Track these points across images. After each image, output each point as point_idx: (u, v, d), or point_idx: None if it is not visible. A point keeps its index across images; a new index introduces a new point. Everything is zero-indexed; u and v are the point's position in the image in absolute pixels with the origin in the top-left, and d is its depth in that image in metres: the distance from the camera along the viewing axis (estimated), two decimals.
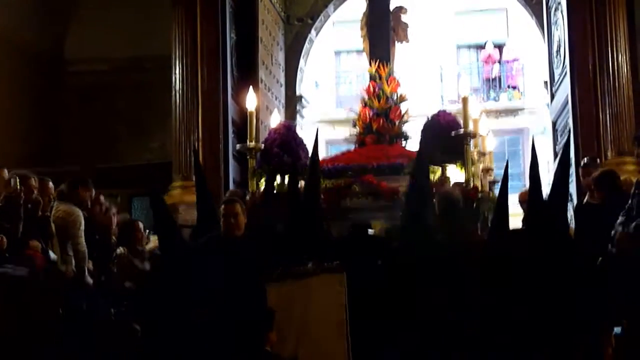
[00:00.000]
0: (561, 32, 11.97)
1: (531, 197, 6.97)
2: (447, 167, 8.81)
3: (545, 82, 13.35)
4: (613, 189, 7.89)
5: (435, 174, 8.69)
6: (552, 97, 12.72)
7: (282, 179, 9.06)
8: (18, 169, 7.61)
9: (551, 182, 7.02)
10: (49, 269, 7.08)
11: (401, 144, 10.01)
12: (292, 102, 15.17)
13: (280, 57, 14.74)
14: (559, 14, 12.11)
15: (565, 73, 11.76)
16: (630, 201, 7.08)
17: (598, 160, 10.23)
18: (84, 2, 12.94)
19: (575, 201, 11.07)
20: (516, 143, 23.19)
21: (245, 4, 12.84)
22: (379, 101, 10.11)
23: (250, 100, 9.25)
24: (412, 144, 10.02)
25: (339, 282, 6.23)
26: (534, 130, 22.59)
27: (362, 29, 10.91)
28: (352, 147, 10.48)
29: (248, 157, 9.19)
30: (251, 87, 9.76)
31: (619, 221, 7.06)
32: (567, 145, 7.94)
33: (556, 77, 12.46)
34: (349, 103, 23.37)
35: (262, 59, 13.18)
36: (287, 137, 9.28)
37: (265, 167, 9.12)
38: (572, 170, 11.20)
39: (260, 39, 13.09)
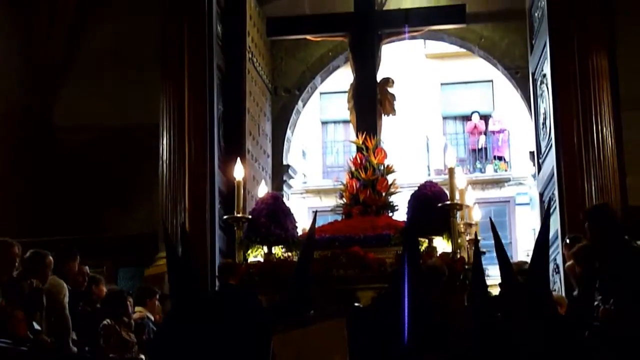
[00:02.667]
0: (546, 104, 12.07)
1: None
2: (434, 239, 8.84)
3: (532, 153, 13.43)
4: (593, 263, 7.88)
5: (422, 245, 8.73)
6: (539, 168, 12.79)
7: (270, 249, 9.09)
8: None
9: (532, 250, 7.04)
10: (33, 339, 7.05)
11: (388, 215, 10.04)
12: (279, 173, 15.21)
13: (267, 127, 14.82)
14: (544, 86, 12.23)
15: (551, 145, 11.83)
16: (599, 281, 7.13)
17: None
18: (74, 69, 13.00)
19: (562, 273, 11.11)
20: (502, 214, 23.27)
21: (233, 76, 12.93)
22: (365, 172, 10.17)
23: (238, 171, 9.32)
24: (399, 215, 10.07)
25: (340, 328, 6.28)
26: (519, 201, 22.74)
27: (348, 101, 11.03)
28: (339, 217, 10.51)
29: (235, 227, 9.22)
30: (239, 158, 9.83)
31: (596, 302, 7.09)
32: (547, 215, 7.96)
33: (542, 149, 12.54)
34: (335, 173, 23.55)
35: (249, 130, 13.24)
36: (274, 207, 9.33)
37: (252, 238, 9.15)
38: (559, 242, 11.27)
39: (247, 110, 13.15)
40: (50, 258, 7.79)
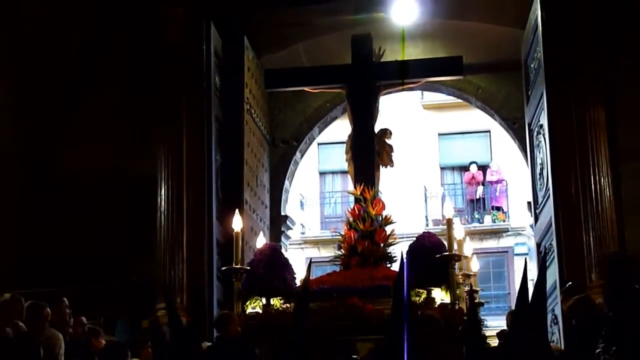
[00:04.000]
0: (543, 154, 12.12)
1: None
2: (433, 290, 8.84)
3: (529, 203, 13.47)
4: (587, 315, 7.88)
5: (421, 296, 8.74)
6: (536, 218, 12.83)
7: (268, 300, 9.09)
8: None
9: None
10: None
11: (386, 266, 10.05)
12: (277, 223, 15.21)
13: (265, 178, 14.86)
14: (540, 137, 12.29)
15: (549, 195, 11.87)
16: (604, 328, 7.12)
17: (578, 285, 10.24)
18: (74, 118, 13.05)
19: (560, 323, 11.10)
20: (501, 264, 23.30)
21: (231, 127, 13.00)
22: (364, 223, 10.18)
23: (236, 222, 9.35)
24: (397, 266, 10.07)
25: None
26: (518, 252, 22.73)
27: (346, 152, 11.06)
28: (337, 268, 10.51)
29: (233, 279, 9.23)
30: (237, 209, 9.86)
31: (598, 350, 7.08)
32: (543, 263, 7.97)
33: (539, 199, 12.58)
34: (334, 224, 23.57)
35: (247, 181, 13.28)
36: (272, 258, 9.33)
37: (251, 289, 9.16)
38: (557, 293, 11.27)
39: (245, 161, 13.19)
40: (48, 310, 7.79)
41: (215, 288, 11.91)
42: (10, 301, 7.43)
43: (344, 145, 11.43)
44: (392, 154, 10.98)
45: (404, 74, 11.42)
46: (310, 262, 7.85)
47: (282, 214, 15.47)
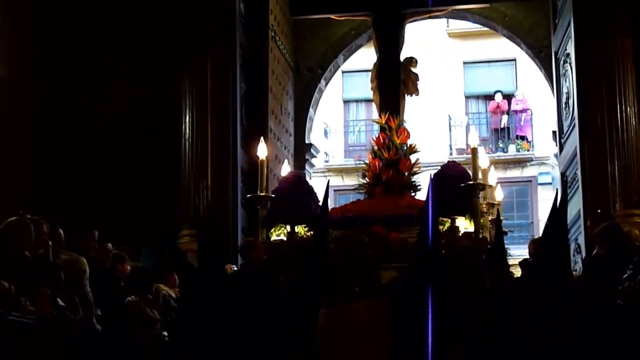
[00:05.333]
0: (570, 84, 12.03)
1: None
2: (457, 219, 8.83)
3: (554, 133, 13.39)
4: (616, 243, 7.88)
5: (445, 225, 8.74)
6: (561, 148, 12.76)
7: (293, 228, 9.11)
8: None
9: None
10: (57, 316, 7.11)
11: (410, 194, 10.04)
12: (301, 151, 15.22)
13: (290, 106, 14.83)
14: (567, 66, 12.18)
15: (574, 125, 11.80)
16: (637, 256, 7.09)
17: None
18: (94, 51, 13.00)
19: (584, 253, 11.10)
20: (524, 194, 23.24)
21: (256, 54, 12.94)
22: (388, 152, 10.14)
23: (261, 150, 9.34)
24: (422, 195, 10.07)
25: (382, 303, 6.34)
26: (541, 181, 22.68)
27: (372, 81, 10.99)
28: (361, 196, 10.51)
29: (258, 206, 9.25)
30: (262, 137, 9.85)
31: (625, 275, 7.07)
32: (564, 191, 7.94)
33: (565, 129, 12.51)
34: (357, 152, 23.55)
35: (271, 109, 13.26)
36: (297, 186, 9.36)
37: (275, 217, 9.18)
38: (581, 222, 11.26)
39: (270, 89, 13.16)
40: (61, 231, 7.80)
41: (239, 215, 11.96)
42: (21, 222, 7.41)
43: (369, 73, 11.36)
44: (418, 82, 10.91)
45: (430, 1, 11.29)
46: (328, 185, 7.79)
47: (307, 142, 15.48)
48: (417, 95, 10.94)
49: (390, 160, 10.13)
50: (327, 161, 23.95)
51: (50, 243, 7.56)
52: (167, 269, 9.63)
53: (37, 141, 12.53)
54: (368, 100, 20.79)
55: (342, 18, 13.14)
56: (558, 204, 6.80)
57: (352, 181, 19.94)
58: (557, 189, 10.05)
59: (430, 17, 12.29)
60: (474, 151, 8.79)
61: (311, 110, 15.51)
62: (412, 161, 10.29)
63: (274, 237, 9.26)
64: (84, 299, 7.68)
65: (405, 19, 11.29)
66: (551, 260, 6.74)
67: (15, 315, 6.51)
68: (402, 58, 11.04)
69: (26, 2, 12.88)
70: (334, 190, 22.10)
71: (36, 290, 6.96)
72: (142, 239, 11.23)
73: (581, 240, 11.35)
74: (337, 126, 24.76)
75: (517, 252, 9.58)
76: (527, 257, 9.40)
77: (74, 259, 7.82)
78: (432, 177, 8.73)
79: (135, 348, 7.58)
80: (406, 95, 10.86)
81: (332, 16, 12.94)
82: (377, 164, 10.16)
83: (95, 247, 8.43)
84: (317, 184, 11.35)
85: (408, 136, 10.33)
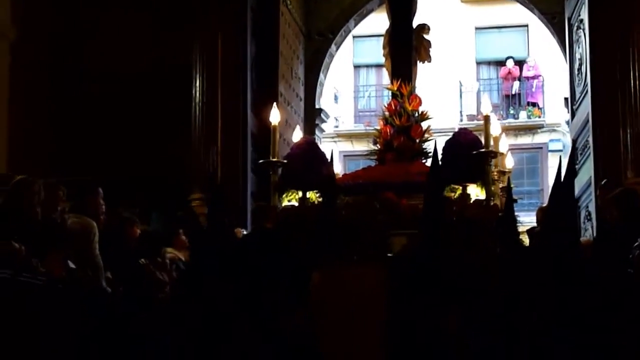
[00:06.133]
0: (583, 50, 11.99)
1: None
2: (468, 186, 8.82)
3: (566, 99, 13.36)
4: (631, 208, 7.88)
5: (456, 192, 8.74)
6: (573, 115, 12.74)
7: (304, 194, 9.12)
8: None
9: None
10: (68, 277, 7.15)
11: (422, 161, 10.03)
12: (311, 116, 15.21)
13: (300, 71, 14.79)
14: (580, 32, 12.13)
15: (587, 91, 11.77)
16: None
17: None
18: (104, 14, 12.97)
19: (594, 220, 11.10)
20: (535, 160, 23.23)
21: (266, 18, 12.89)
22: (400, 119, 10.09)
23: (274, 115, 9.32)
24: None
25: (379, 270, 6.38)
26: (552, 148, 22.65)
27: (384, 47, 10.90)
28: (371, 163, 10.50)
29: (270, 172, 9.27)
30: (274, 102, 9.84)
31: (637, 243, 7.06)
32: (572, 155, 7.90)
33: (577, 95, 12.48)
34: (367, 117, 23.54)
35: (282, 73, 13.23)
36: (309, 152, 9.34)
37: (287, 183, 9.19)
38: (592, 190, 11.26)
39: (280, 53, 13.13)
40: (61, 191, 7.79)
41: (249, 180, 11.98)
42: (28, 181, 7.41)
43: (380, 38, 11.29)
44: (430, 49, 10.84)
45: None
46: (332, 153, 7.78)
47: (317, 107, 15.46)
48: (429, 62, 10.87)
49: (402, 127, 10.07)
50: (336, 126, 23.95)
51: (62, 206, 7.62)
52: (176, 232, 9.66)
53: (51, 103, 12.53)
54: (378, 66, 20.77)
55: None
56: (565, 172, 6.80)
57: (361, 147, 19.96)
58: (560, 156, 10.03)
59: None
60: (487, 118, 8.76)
61: (321, 75, 15.49)
62: (424, 128, 10.26)
63: (285, 203, 9.26)
64: (93, 261, 7.72)
65: None
66: (558, 227, 6.76)
67: (26, 276, 6.55)
68: (414, 25, 10.96)
69: None
70: (344, 156, 22.13)
71: (47, 252, 7.01)
72: (152, 203, 11.26)
73: (592, 207, 11.36)
74: (347, 91, 24.75)
75: (527, 219, 9.57)
76: (535, 225, 9.41)
77: (84, 222, 7.85)
78: (443, 146, 8.79)
79: (144, 309, 7.61)
80: (418, 62, 10.80)
81: None
82: (388, 130, 10.11)
83: (102, 205, 8.42)
84: (327, 149, 11.35)
85: (420, 103, 10.27)
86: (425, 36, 10.82)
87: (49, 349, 6.39)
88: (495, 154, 8.90)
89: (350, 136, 23.70)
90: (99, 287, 7.59)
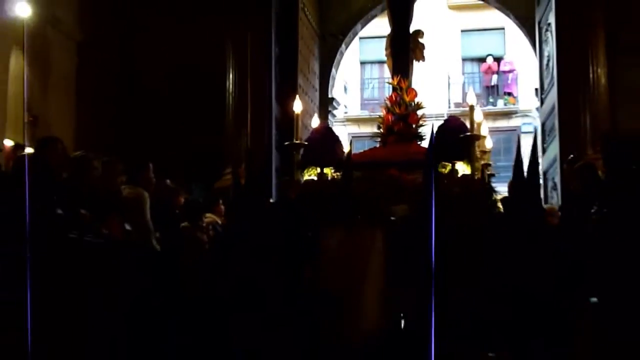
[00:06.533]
0: (550, 48, 11.93)
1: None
2: (457, 163, 8.83)
3: (536, 90, 13.29)
4: (590, 179, 7.86)
5: (447, 168, 8.75)
6: (542, 102, 12.69)
7: (322, 170, 9.15)
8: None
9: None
10: (125, 237, 7.17)
11: (417, 143, 10.03)
12: (325, 104, 15.20)
13: (315, 66, 14.76)
14: (548, 33, 12.06)
15: (553, 83, 11.73)
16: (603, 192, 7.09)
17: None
18: (155, 15, 12.93)
19: (559, 190, 11.07)
20: (510, 141, 23.09)
21: (288, 23, 12.85)
22: (399, 108, 10.07)
23: (297, 105, 9.33)
24: (426, 143, 10.05)
25: (379, 230, 6.37)
26: (524, 130, 22.56)
27: (386, 49, 10.83)
28: (375, 144, 10.49)
29: (294, 152, 9.29)
30: (296, 95, 9.85)
31: (594, 209, 7.05)
32: (534, 142, 7.85)
33: (545, 86, 12.42)
34: (371, 105, 23.48)
35: (300, 68, 13.19)
36: (326, 136, 9.40)
37: (308, 161, 9.24)
38: (557, 164, 11.22)
39: (299, 52, 13.09)
40: (119, 166, 7.77)
41: (273, 157, 11.96)
42: (88, 158, 7.39)
43: (382, 39, 11.22)
44: (424, 50, 10.79)
45: None
46: (351, 142, 7.82)
47: (329, 96, 15.43)
48: (424, 61, 10.80)
49: (401, 114, 10.05)
50: (346, 112, 23.86)
51: (120, 179, 7.63)
52: (216, 201, 9.68)
53: (111, 95, 12.52)
54: (381, 62, 20.65)
55: None
56: (531, 150, 6.80)
57: (366, 129, 19.95)
58: (518, 136, 10.04)
59: None
60: (472, 108, 8.72)
61: (333, 69, 15.46)
62: (419, 115, 10.25)
63: (306, 177, 9.29)
64: (145, 225, 7.73)
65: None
66: (523, 196, 6.76)
67: (90, 237, 6.57)
68: (411, 30, 10.90)
69: None
70: (352, 137, 22.04)
71: (107, 217, 7.03)
72: (194, 176, 11.27)
73: (557, 179, 11.32)
74: (355, 83, 24.65)
75: (503, 189, 9.58)
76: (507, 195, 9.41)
77: (138, 192, 7.85)
78: (436, 130, 8.75)
79: (187, 265, 7.63)
80: (414, 61, 10.75)
81: None
82: (390, 117, 10.09)
83: (153, 180, 8.42)
84: (337, 131, 11.33)
85: (415, 95, 10.24)
86: (420, 40, 10.76)
87: (109, 297, 6.42)
88: (478, 137, 8.88)
89: (357, 120, 23.61)
90: (150, 246, 7.62)
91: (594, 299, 6.53)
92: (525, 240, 6.45)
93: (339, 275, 6.37)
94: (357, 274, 6.36)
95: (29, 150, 7.30)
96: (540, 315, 6.20)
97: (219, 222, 9.18)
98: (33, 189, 6.02)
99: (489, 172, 9.32)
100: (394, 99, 10.19)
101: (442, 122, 9.35)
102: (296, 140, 9.19)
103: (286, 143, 9.65)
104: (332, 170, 9.16)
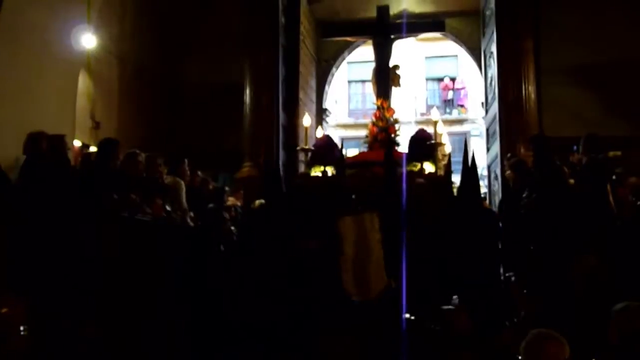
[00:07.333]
0: (493, 71, 11.92)
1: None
2: (424, 163, 9.00)
3: (482, 103, 13.28)
4: (523, 171, 7.88)
5: (417, 167, 8.90)
6: (486, 112, 12.66)
7: (325, 168, 9.30)
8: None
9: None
10: (166, 216, 7.16)
11: (395, 148, 10.13)
12: (320, 113, 15.20)
13: (313, 83, 14.74)
14: (491, 60, 12.05)
15: (495, 97, 11.72)
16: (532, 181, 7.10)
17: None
18: (196, 42, 12.89)
19: (500, 180, 11.06)
20: (462, 143, 23.06)
21: (291, 50, 12.82)
22: (382, 122, 10.36)
23: (306, 120, 9.60)
24: (402, 148, 10.17)
25: (376, 216, 6.42)
26: (473, 134, 22.54)
27: (372, 78, 11.10)
28: (363, 148, 10.73)
29: (305, 154, 9.45)
30: (307, 113, 10.02)
31: (525, 194, 7.06)
32: (465, 145, 7.83)
33: (489, 100, 12.39)
34: (356, 114, 23.45)
35: (301, 85, 13.18)
36: (328, 143, 9.68)
37: (315, 161, 9.41)
38: (498, 160, 11.20)
39: (300, 73, 13.08)
40: (160, 160, 7.72)
41: (280, 154, 11.96)
42: (133, 154, 7.33)
43: (365, 64, 11.38)
44: (400, 79, 11.00)
45: (409, 30, 11.18)
46: (342, 142, 7.83)
47: (323, 107, 15.42)
48: (400, 87, 11.07)
49: (383, 127, 10.31)
50: (336, 120, 23.84)
51: (161, 170, 7.62)
52: (238, 188, 9.75)
53: (149, 103, 12.46)
54: (364, 81, 20.62)
55: (354, 40, 13.54)
56: (464, 152, 6.82)
57: (352, 133, 19.93)
58: (465, 139, 10.19)
59: (409, 37, 11.98)
60: (436, 122, 8.97)
61: (326, 86, 15.43)
62: (397, 128, 10.47)
63: (313, 173, 9.41)
64: (182, 207, 7.73)
65: (393, 40, 11.09)
66: (468, 185, 6.79)
67: (139, 216, 6.56)
68: (391, 64, 11.00)
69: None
70: (341, 140, 21.95)
71: (152, 200, 7.02)
72: (220, 168, 11.29)
73: (498, 171, 11.32)
74: (343, 97, 24.59)
75: (457, 179, 9.64)
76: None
77: (176, 181, 7.86)
78: (410, 139, 8.90)
79: (213, 237, 7.61)
80: (393, 87, 10.94)
81: (347, 38, 13.20)
82: (375, 129, 10.38)
83: (188, 171, 8.41)
84: (331, 134, 11.41)
85: (393, 112, 10.52)
86: (397, 71, 10.97)
87: (154, 266, 6.38)
88: (440, 144, 9.09)
89: (345, 126, 23.54)
90: (185, 224, 7.62)
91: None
92: (470, 218, 6.50)
93: (352, 249, 6.44)
94: (364, 247, 6.42)
95: (92, 149, 7.28)
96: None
97: (239, 204, 9.19)
98: (95, 179, 6.01)
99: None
100: (377, 115, 10.48)
101: (410, 128, 9.47)
102: (305, 145, 9.42)
103: (298, 147, 9.85)
104: (332, 168, 9.25)
